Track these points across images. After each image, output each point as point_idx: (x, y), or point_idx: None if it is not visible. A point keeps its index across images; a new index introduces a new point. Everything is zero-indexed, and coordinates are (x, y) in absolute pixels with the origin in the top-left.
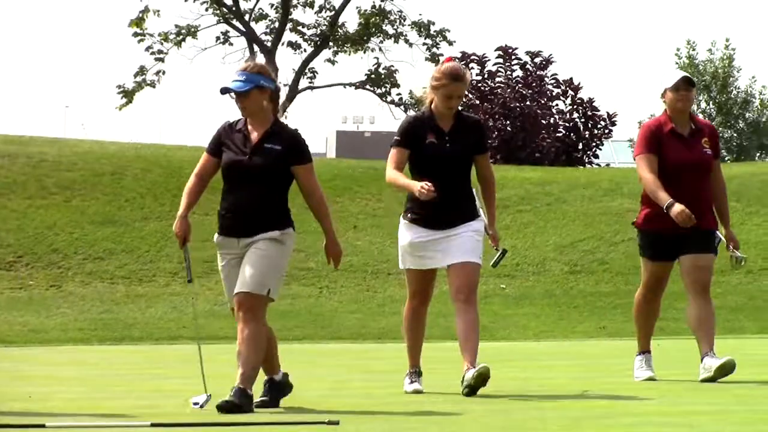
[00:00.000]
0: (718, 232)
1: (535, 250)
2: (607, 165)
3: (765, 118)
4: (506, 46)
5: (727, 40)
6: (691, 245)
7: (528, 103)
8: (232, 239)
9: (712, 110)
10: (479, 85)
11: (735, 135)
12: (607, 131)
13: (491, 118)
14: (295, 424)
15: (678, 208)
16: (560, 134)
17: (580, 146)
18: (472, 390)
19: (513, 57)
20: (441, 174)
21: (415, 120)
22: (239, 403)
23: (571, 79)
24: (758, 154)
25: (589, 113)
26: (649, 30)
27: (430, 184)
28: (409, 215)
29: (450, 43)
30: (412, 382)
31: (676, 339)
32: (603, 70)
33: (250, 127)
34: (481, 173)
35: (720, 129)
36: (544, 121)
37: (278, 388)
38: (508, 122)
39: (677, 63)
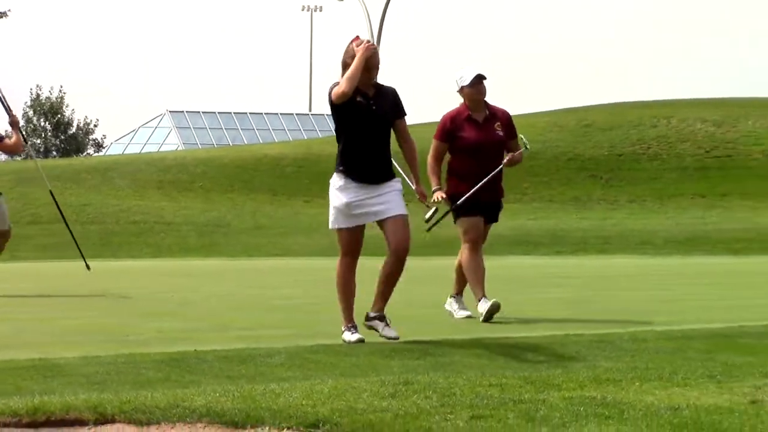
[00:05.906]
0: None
1: None
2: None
3: (80, 136)
4: None
5: (62, 87)
6: (487, 216)
7: None
8: None
9: (48, 128)
10: None
11: (59, 141)
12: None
13: None
14: None
15: (437, 195)
16: None
17: None
18: (369, 327)
19: None
20: (370, 132)
21: None
22: None
23: None
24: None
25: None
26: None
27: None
28: (342, 168)
29: None
30: (352, 333)
31: None
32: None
33: None
34: (403, 136)
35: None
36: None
37: None
38: None
39: (28, 102)
